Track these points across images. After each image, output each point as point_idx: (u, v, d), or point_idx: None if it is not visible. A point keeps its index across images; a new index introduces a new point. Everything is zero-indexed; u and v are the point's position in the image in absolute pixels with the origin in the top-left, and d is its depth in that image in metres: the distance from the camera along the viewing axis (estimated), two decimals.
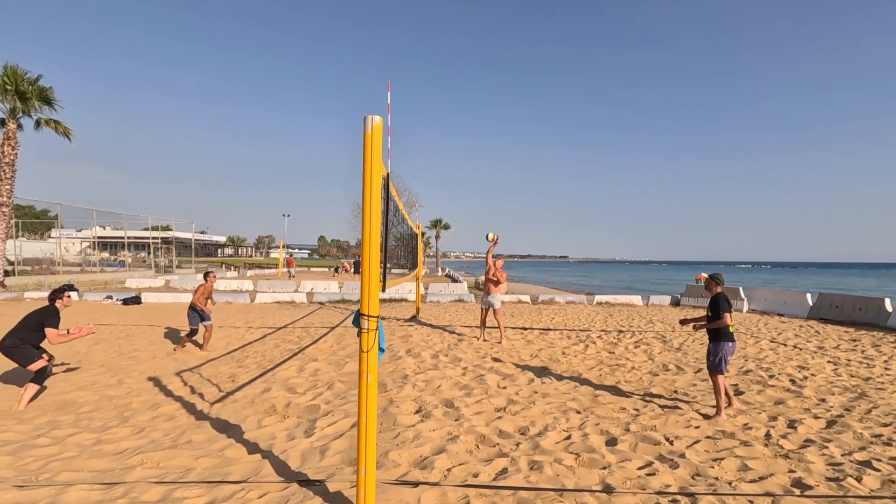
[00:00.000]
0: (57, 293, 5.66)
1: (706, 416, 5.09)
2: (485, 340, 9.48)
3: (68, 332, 5.58)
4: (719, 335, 5.19)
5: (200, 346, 8.44)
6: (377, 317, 2.74)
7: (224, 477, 3.42)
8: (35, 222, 48.68)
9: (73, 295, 16.28)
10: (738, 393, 6.00)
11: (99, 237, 36.48)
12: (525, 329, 11.08)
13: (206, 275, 8.55)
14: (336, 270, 44.66)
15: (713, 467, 3.73)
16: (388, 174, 3.71)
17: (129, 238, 34.71)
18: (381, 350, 2.84)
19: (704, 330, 5.61)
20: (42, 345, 5.56)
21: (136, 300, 15.24)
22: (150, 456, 3.80)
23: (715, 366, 5.17)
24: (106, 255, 48.99)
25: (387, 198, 3.66)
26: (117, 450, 4.01)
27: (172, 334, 9.94)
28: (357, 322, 2.77)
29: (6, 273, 19.25)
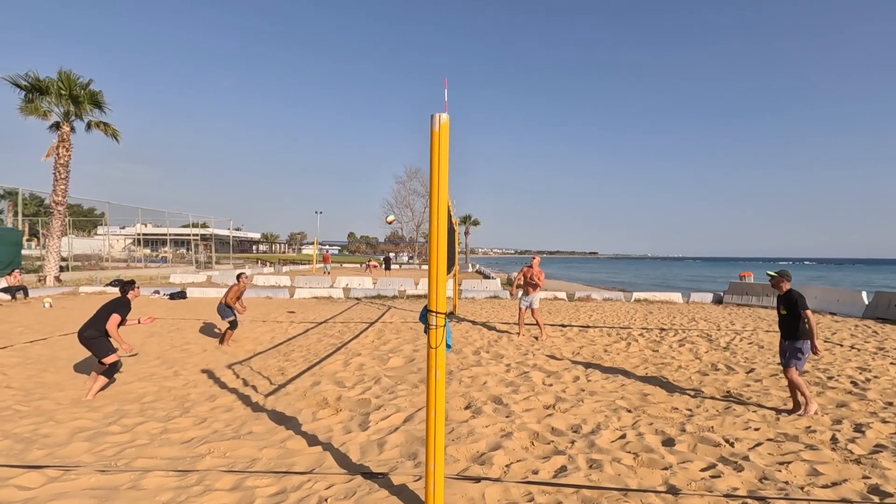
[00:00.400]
0: (128, 285, 5.81)
1: (792, 412, 5.06)
2: (522, 335, 9.55)
3: (139, 322, 6.05)
4: (798, 332, 5.07)
5: (222, 341, 8.64)
6: (445, 313, 2.76)
7: (289, 468, 3.52)
8: (83, 220, 51.19)
9: None
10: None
11: (144, 234, 38.08)
12: (564, 326, 10.97)
13: (238, 276, 8.76)
14: (367, 266, 45.24)
15: (780, 471, 3.61)
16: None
17: (170, 235, 36.04)
18: (448, 346, 2.86)
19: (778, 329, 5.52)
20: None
21: (181, 295, 15.83)
22: (216, 445, 3.95)
23: (788, 364, 5.11)
24: (147, 251, 51.11)
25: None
26: (183, 439, 4.18)
27: (219, 328, 10.27)
28: (424, 318, 2.80)
29: (61, 269, 20.27)
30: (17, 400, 5.31)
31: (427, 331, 2.78)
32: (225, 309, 8.55)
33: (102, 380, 5.59)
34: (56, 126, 19.17)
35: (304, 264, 46.55)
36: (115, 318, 5.50)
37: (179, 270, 26.93)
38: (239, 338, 9.15)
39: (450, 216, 9.15)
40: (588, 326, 11.02)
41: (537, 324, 9.40)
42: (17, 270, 15.39)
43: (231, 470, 3.46)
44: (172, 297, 15.63)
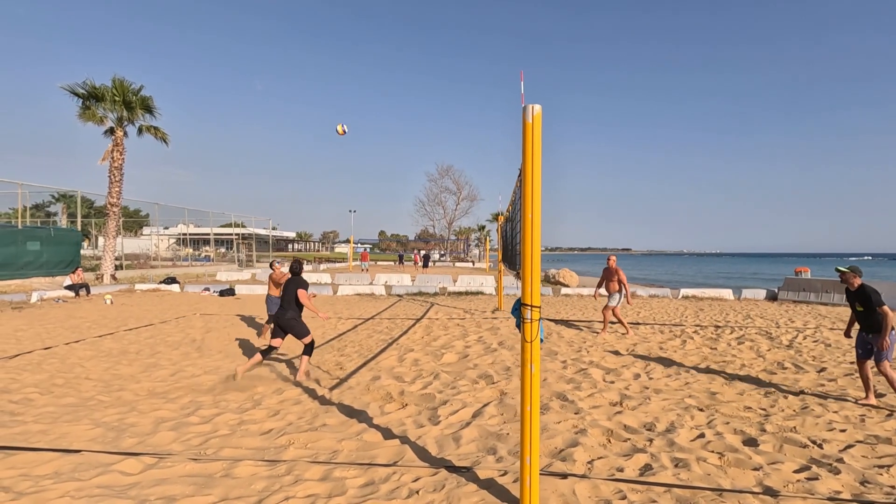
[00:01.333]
0: (297, 265, 6.50)
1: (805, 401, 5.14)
2: (604, 332, 9.51)
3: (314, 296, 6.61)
4: (881, 325, 4.92)
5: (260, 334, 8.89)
6: (539, 307, 2.73)
7: (372, 459, 3.57)
8: (129, 221, 53.54)
9: (175, 287, 17.72)
10: (879, 395, 5.48)
11: (192, 234, 39.50)
12: (613, 322, 10.75)
13: (271, 265, 9.23)
14: (400, 261, 45.56)
15: (882, 475, 3.42)
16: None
17: (215, 234, 37.31)
18: (542, 340, 2.83)
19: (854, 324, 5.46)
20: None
21: (230, 292, 16.35)
22: (295, 437, 4.04)
23: (881, 356, 4.97)
24: (190, 250, 53.00)
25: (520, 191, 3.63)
26: (262, 430, 4.29)
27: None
28: (516, 312, 2.78)
29: (116, 268, 21.26)
30: (98, 391, 5.58)
31: (520, 325, 2.76)
32: (270, 302, 8.77)
33: (306, 359, 6.24)
34: (111, 131, 20.09)
35: (340, 262, 47.32)
36: (303, 292, 6.22)
37: (224, 268, 27.83)
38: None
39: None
40: (638, 323, 10.78)
41: (619, 321, 9.46)
42: (79, 269, 16.24)
43: (316, 461, 3.53)
44: (222, 293, 16.16)
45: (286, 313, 6.18)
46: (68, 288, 14.96)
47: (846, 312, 12.66)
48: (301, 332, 6.21)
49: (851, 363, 6.97)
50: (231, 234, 35.55)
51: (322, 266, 37.43)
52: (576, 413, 4.69)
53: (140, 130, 20.98)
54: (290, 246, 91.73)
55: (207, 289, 16.88)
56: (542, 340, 2.84)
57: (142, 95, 20.02)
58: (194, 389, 5.71)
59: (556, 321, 11.04)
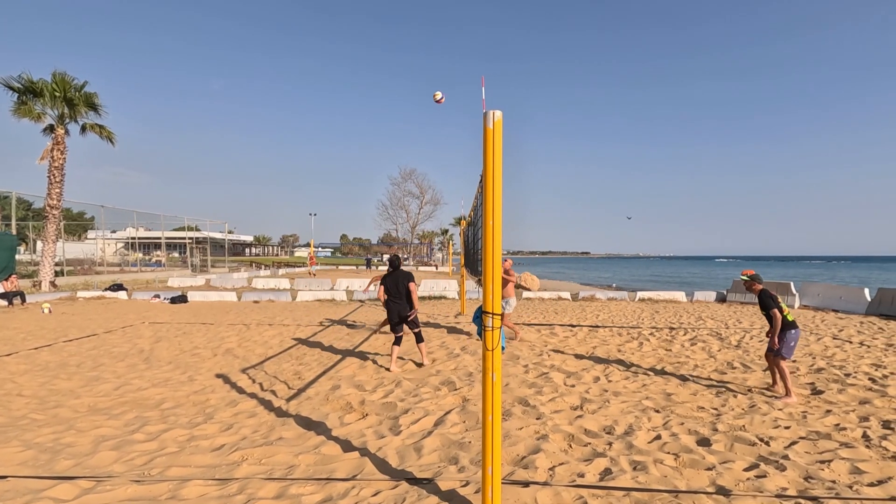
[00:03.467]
0: (398, 259, 7.08)
1: (775, 397, 5.51)
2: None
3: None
4: (782, 325, 5.55)
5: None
6: (501, 315, 2.70)
7: (330, 474, 3.45)
8: (72, 224, 50.47)
9: (122, 294, 16.80)
10: (818, 392, 5.80)
11: (142, 238, 37.60)
12: (574, 326, 10.96)
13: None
14: (368, 266, 44.93)
15: (823, 470, 3.60)
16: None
17: (167, 238, 35.65)
18: (503, 348, 2.81)
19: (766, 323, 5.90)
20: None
21: (182, 299, 15.64)
22: (249, 452, 3.87)
23: (777, 352, 5.54)
24: (139, 255, 50.48)
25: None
26: (214, 446, 4.09)
27: (227, 332, 10.14)
28: (478, 320, 2.74)
29: (55, 273, 19.95)
30: (32, 408, 5.18)
31: (481, 333, 2.72)
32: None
33: (423, 344, 7.03)
34: (50, 129, 18.90)
35: (300, 266, 46.24)
36: (414, 286, 6.83)
37: (176, 274, 26.63)
38: (247, 342, 9.05)
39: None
40: (598, 326, 11.02)
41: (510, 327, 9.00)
42: (13, 276, 15.13)
43: (271, 477, 3.38)
44: (174, 301, 15.43)
45: (404, 310, 6.86)
46: (1, 297, 13.91)
47: (791, 314, 13.43)
48: (416, 322, 6.99)
49: (794, 362, 7.36)
50: (184, 238, 34.03)
51: (281, 271, 36.48)
52: (538, 418, 4.72)
53: (83, 129, 19.84)
54: (247, 250, 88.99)
55: (158, 296, 16.09)
56: (503, 348, 2.82)
57: (85, 92, 18.94)
58: (141, 404, 5.39)
59: (517, 325, 11.12)
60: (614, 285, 31.83)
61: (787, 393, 5.47)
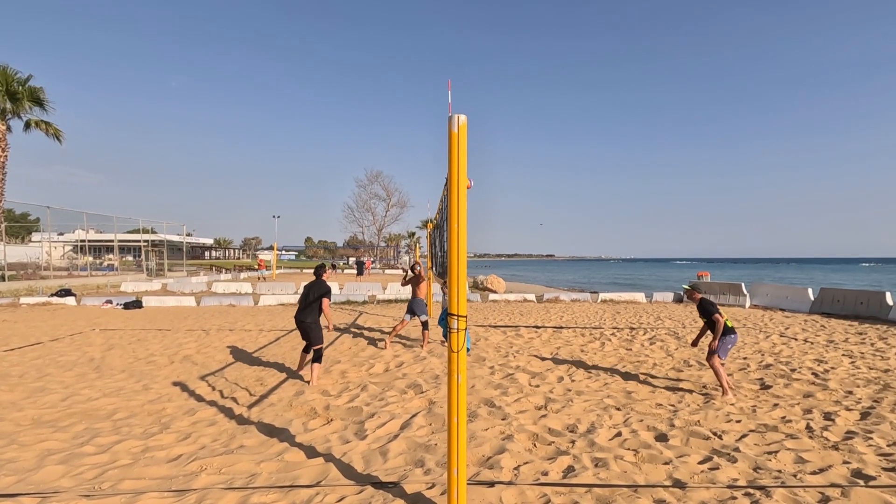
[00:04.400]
0: (322, 268, 6.63)
1: (708, 396, 5.78)
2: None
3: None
4: (720, 333, 5.81)
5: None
6: (466, 316, 2.73)
7: (294, 481, 3.38)
8: (15, 226, 47.53)
9: (70, 300, 15.94)
10: (766, 387, 6.11)
11: (92, 240, 35.75)
12: (538, 328, 11.14)
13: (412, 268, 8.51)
14: (333, 268, 44.26)
15: (770, 460, 3.80)
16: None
17: (120, 241, 34.03)
18: (468, 350, 2.83)
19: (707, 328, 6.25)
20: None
21: (137, 304, 14.98)
22: (208, 462, 3.74)
23: (711, 352, 5.82)
24: (90, 258, 48.01)
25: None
26: (170, 456, 3.94)
27: (186, 338, 9.78)
28: (444, 322, 2.76)
29: None
30: None
31: (447, 335, 2.74)
32: (418, 302, 8.15)
33: (318, 365, 6.28)
34: None
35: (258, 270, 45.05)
36: (326, 301, 6.30)
37: (130, 278, 25.47)
38: (207, 348, 8.76)
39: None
40: (561, 327, 11.24)
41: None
42: None
43: (232, 487, 3.28)
44: (127, 306, 14.75)
45: (307, 317, 6.28)
46: None
47: (741, 312, 14.08)
48: (318, 338, 6.31)
49: (745, 359, 7.73)
50: (138, 241, 32.59)
51: (242, 275, 35.47)
52: (503, 419, 4.77)
53: (28, 125, 18.76)
54: (206, 253, 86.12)
55: (110, 301, 15.34)
56: (468, 350, 2.85)
57: (30, 86, 17.91)
58: (90, 415, 5.13)
59: (484, 327, 11.21)
60: (581, 288, 32.55)
61: (724, 391, 5.71)
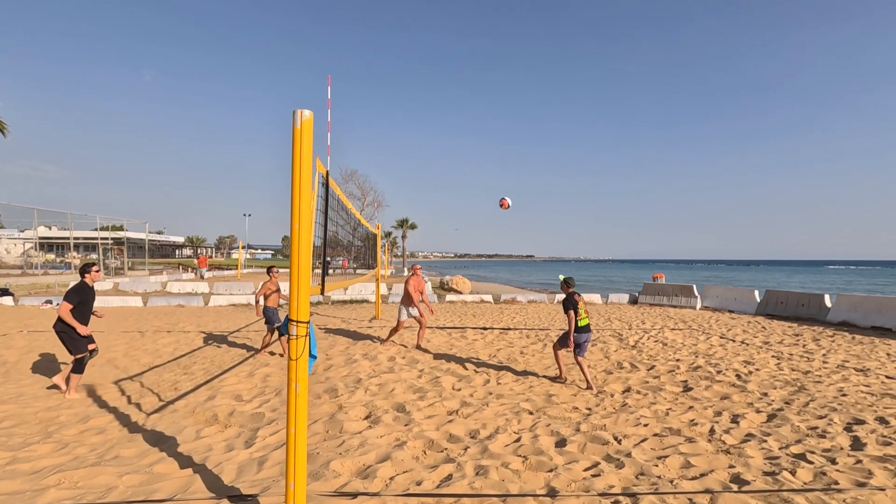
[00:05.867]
0: (86, 268, 5.73)
1: (555, 379, 6.51)
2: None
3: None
4: (580, 328, 6.19)
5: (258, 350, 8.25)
6: (307, 322, 2.59)
7: (149, 495, 3.19)
8: None
9: (7, 299, 15.26)
10: (688, 389, 6.13)
11: (43, 238, 34.47)
12: (485, 329, 11.07)
13: (268, 271, 8.24)
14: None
15: (657, 465, 3.76)
16: (327, 172, 3.56)
17: (75, 239, 32.86)
18: (313, 357, 2.70)
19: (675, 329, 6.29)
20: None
21: None
22: (69, 475, 3.52)
23: (562, 343, 6.37)
24: (52, 256, 46.27)
25: (326, 196, 3.50)
26: (34, 469, 3.70)
27: (117, 340, 9.41)
28: (286, 329, 2.62)
29: None
30: None
31: (288, 341, 2.60)
32: (270, 312, 7.94)
33: (75, 376, 5.67)
34: None
35: (232, 269, 44.20)
36: (65, 305, 5.46)
37: None
38: (136, 350, 8.43)
39: (354, 219, 8.95)
40: (509, 329, 11.19)
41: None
42: None
43: (78, 503, 3.07)
44: None
45: (56, 324, 5.63)
46: None
47: (690, 314, 14.29)
48: (70, 346, 5.61)
49: (678, 360, 7.79)
50: (96, 239, 31.54)
51: (208, 274, 34.64)
52: (406, 425, 4.65)
53: None
54: (177, 252, 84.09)
55: (49, 301, 14.72)
56: (313, 356, 2.71)
57: None
58: None
59: (431, 328, 11.09)
60: (546, 289, 32.74)
61: (560, 375, 6.48)
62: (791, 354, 8.26)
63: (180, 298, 15.94)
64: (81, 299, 5.60)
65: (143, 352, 8.40)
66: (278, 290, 8.13)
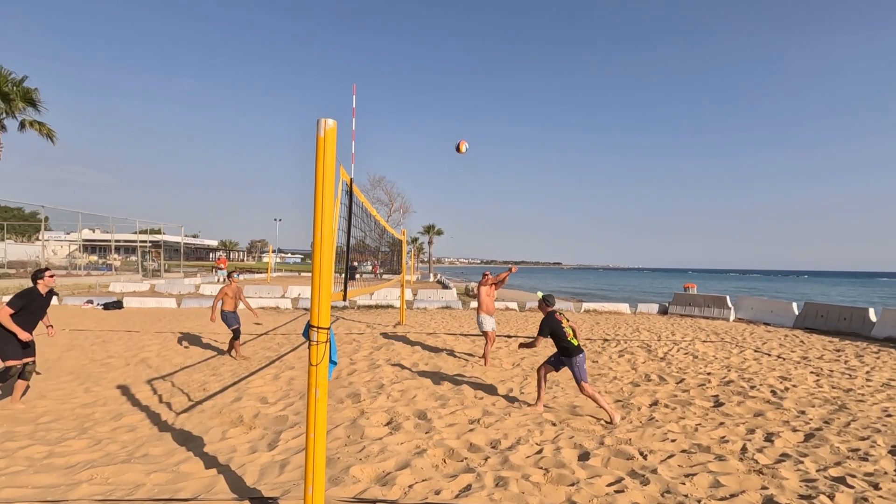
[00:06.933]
0: (38, 273, 5.34)
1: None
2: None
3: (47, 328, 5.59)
4: (567, 351, 5.36)
5: (229, 350, 8.46)
6: (328, 328, 2.62)
7: (174, 494, 3.27)
8: (23, 224, 48.12)
9: (53, 299, 15.99)
10: (719, 404, 5.92)
11: (87, 240, 36.09)
12: (510, 337, 10.97)
13: (229, 276, 8.69)
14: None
15: (685, 483, 3.63)
16: (351, 179, 3.60)
17: (116, 241, 34.32)
18: (334, 363, 2.72)
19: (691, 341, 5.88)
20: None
21: (117, 305, 14.99)
22: (100, 471, 3.64)
23: (578, 381, 5.33)
24: (94, 258, 48.38)
25: (350, 203, 3.55)
26: (68, 464, 3.84)
27: (151, 340, 9.73)
28: (307, 334, 2.65)
29: None
30: None
31: (309, 346, 2.63)
32: (227, 315, 8.26)
33: (20, 382, 5.25)
34: None
35: (262, 273, 45.26)
36: (4, 309, 5.01)
37: (123, 279, 25.59)
38: (168, 351, 8.70)
39: (379, 225, 9.02)
40: (534, 337, 11.04)
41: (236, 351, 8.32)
42: None
43: (108, 499, 3.17)
44: (107, 307, 14.77)
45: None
46: None
47: (723, 325, 13.81)
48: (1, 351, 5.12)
49: (709, 374, 7.53)
50: (136, 241, 32.83)
51: (241, 276, 35.56)
52: (426, 433, 4.63)
53: (22, 125, 18.95)
54: (211, 255, 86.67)
55: (90, 301, 15.36)
56: (334, 363, 2.73)
57: (23, 87, 18.12)
58: (16, 418, 5.05)
59: (454, 335, 11.07)
60: (578, 298, 32.26)
61: (611, 419, 5.16)
62: (831, 371, 7.87)
63: (209, 301, 16.39)
64: (24, 304, 5.15)
65: (174, 352, 8.65)
66: (236, 296, 8.40)
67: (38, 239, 44.40)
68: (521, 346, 5.93)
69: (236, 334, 8.23)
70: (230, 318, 8.28)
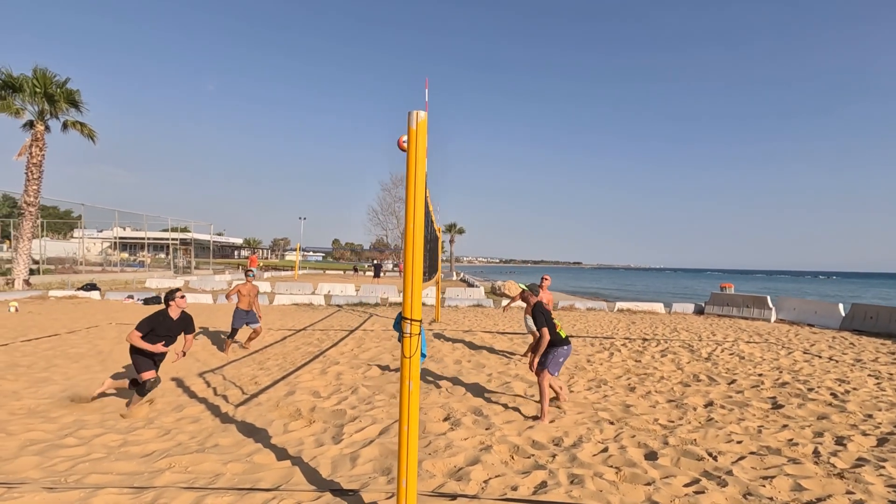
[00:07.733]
0: (169, 295, 5.24)
1: (535, 418, 4.99)
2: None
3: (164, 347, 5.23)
4: (552, 340, 5.12)
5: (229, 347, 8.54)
6: (420, 321, 2.61)
7: (254, 484, 3.31)
8: (59, 222, 49.81)
9: (95, 294, 16.49)
10: (778, 406, 5.74)
11: (119, 238, 37.16)
12: None
13: (246, 273, 8.88)
14: (354, 270, 44.91)
15: (765, 486, 3.52)
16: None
17: (148, 239, 35.25)
18: (424, 356, 2.71)
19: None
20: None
21: (156, 300, 15.37)
22: (177, 459, 3.72)
23: (540, 366, 5.12)
24: (125, 255, 49.78)
25: (424, 200, 3.53)
26: (144, 452, 3.94)
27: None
28: (399, 326, 2.65)
29: (31, 272, 19.58)
30: None
31: (401, 339, 2.63)
32: (237, 313, 8.45)
33: (137, 398, 5.09)
34: (30, 125, 18.61)
35: (287, 270, 45.93)
36: (134, 334, 4.96)
37: (157, 275, 26.26)
38: (213, 345, 8.86)
39: (430, 222, 9.02)
40: (571, 336, 10.92)
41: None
42: None
43: (192, 486, 3.24)
44: (147, 302, 15.16)
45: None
46: None
47: (765, 326, 13.45)
48: (135, 366, 5.13)
49: (760, 375, 7.32)
50: (167, 239, 33.70)
51: (266, 274, 36.16)
52: (487, 429, 4.61)
53: (65, 126, 19.57)
54: (236, 253, 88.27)
55: (131, 296, 15.80)
56: (423, 356, 2.72)
57: (67, 88, 18.70)
58: (84, 407, 5.22)
59: (491, 333, 11.02)
60: (604, 297, 31.84)
61: (542, 415, 4.94)
62: (891, 374, 7.58)
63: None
64: (153, 327, 5.12)
65: (218, 346, 8.81)
66: (250, 295, 8.47)
67: (72, 236, 45.94)
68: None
69: (233, 333, 8.38)
70: (236, 317, 8.42)
